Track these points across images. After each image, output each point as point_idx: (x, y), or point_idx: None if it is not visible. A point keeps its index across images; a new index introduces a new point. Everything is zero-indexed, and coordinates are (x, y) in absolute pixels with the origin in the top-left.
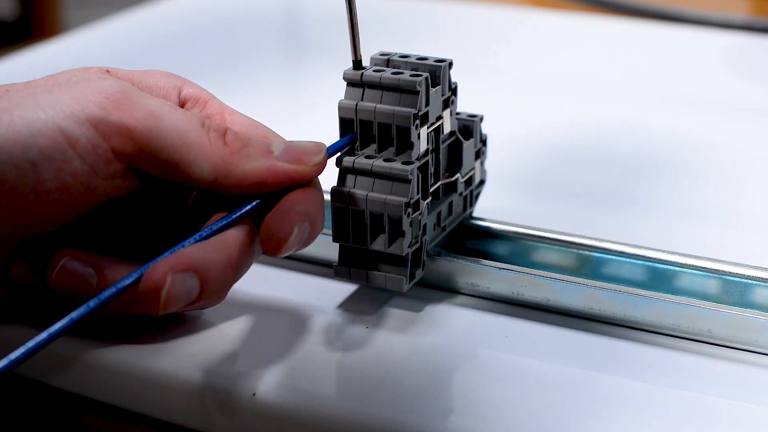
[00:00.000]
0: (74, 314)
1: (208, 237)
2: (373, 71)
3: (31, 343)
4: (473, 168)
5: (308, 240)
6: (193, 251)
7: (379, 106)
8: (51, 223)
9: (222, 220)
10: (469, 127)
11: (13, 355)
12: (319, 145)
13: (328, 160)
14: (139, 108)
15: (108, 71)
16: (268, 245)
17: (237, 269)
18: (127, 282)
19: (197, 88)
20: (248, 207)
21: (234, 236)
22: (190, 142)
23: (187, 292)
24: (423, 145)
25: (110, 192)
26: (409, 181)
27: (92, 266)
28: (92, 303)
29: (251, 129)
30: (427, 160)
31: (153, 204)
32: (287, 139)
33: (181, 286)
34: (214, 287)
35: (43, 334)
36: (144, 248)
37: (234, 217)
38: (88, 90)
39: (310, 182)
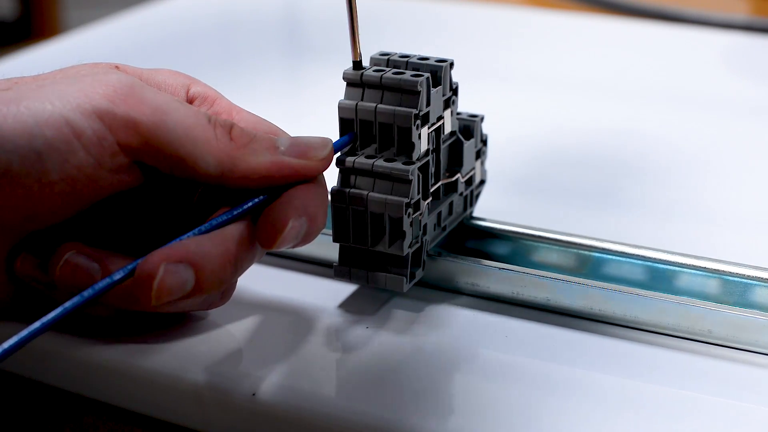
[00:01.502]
0: (68, 304)
1: (208, 231)
2: (374, 71)
3: (24, 333)
4: (474, 168)
5: (307, 236)
6: (190, 243)
7: (380, 106)
8: (55, 215)
9: (224, 214)
10: (469, 127)
11: (6, 344)
12: (325, 140)
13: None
14: (147, 102)
15: (117, 67)
16: (262, 238)
17: (235, 264)
18: (122, 274)
19: (205, 86)
20: (251, 203)
21: (233, 231)
22: (196, 136)
23: (181, 283)
24: (424, 145)
25: (115, 186)
26: (409, 182)
27: (97, 261)
28: (86, 293)
29: (258, 126)
30: (428, 160)
31: (158, 199)
32: (292, 136)
33: (175, 277)
34: (210, 281)
35: (36, 324)
36: (149, 244)
37: (236, 212)
38: (96, 83)
39: (314, 178)
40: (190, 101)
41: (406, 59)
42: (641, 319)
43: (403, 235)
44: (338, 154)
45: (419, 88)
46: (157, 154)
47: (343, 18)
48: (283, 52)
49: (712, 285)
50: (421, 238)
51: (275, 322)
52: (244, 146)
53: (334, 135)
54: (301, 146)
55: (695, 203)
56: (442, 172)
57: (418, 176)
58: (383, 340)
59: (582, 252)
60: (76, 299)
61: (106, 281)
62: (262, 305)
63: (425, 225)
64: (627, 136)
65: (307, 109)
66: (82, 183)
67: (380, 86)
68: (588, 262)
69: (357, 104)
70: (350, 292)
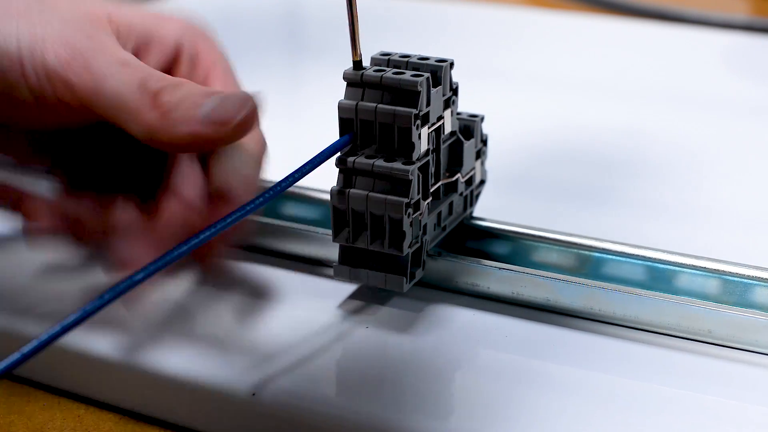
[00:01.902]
0: (88, 307)
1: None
2: (374, 71)
3: (44, 336)
4: (474, 168)
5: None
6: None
7: (379, 106)
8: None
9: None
10: (469, 127)
11: (26, 348)
12: (243, 100)
13: (328, 160)
14: (89, 68)
15: (110, 20)
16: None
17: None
18: (141, 276)
19: (209, 52)
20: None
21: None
22: (124, 107)
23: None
24: (424, 145)
25: (64, 123)
26: (409, 182)
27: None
28: (107, 295)
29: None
30: (428, 161)
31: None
32: (261, 121)
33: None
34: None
35: (56, 327)
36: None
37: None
38: (63, 29)
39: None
40: (175, 63)
41: (406, 59)
42: (641, 319)
43: (403, 235)
44: (338, 154)
45: (419, 88)
46: (93, 116)
47: (343, 17)
48: (283, 52)
49: (712, 285)
50: (421, 238)
51: (275, 322)
52: (167, 114)
53: (334, 135)
54: (221, 111)
55: (695, 203)
56: (442, 172)
57: (418, 176)
58: (383, 340)
59: (582, 252)
60: (96, 302)
61: (127, 282)
62: (263, 305)
63: (425, 225)
64: (627, 135)
65: (306, 109)
66: (30, 113)
67: (380, 86)
68: (588, 262)
69: (358, 104)
70: (350, 292)
